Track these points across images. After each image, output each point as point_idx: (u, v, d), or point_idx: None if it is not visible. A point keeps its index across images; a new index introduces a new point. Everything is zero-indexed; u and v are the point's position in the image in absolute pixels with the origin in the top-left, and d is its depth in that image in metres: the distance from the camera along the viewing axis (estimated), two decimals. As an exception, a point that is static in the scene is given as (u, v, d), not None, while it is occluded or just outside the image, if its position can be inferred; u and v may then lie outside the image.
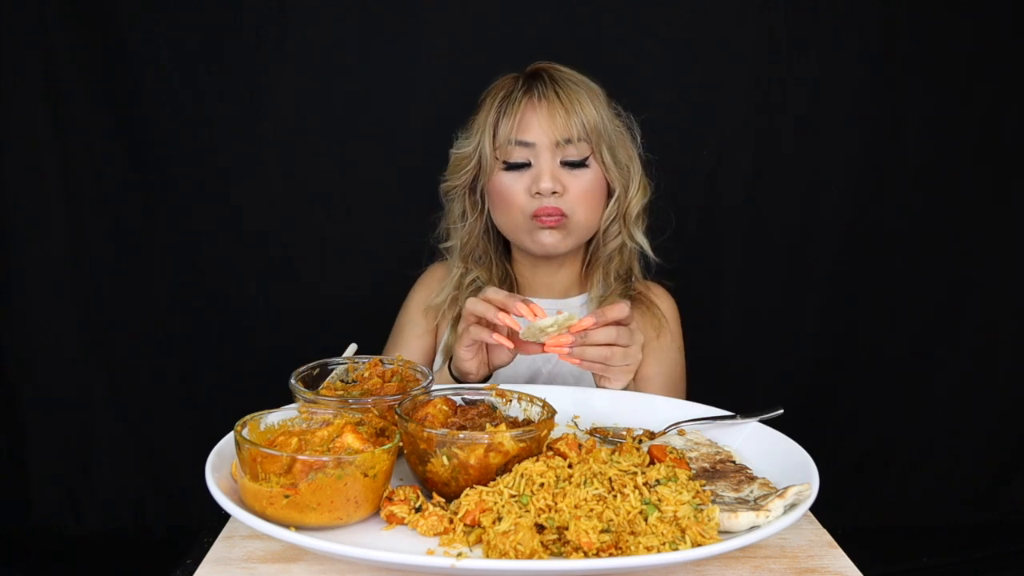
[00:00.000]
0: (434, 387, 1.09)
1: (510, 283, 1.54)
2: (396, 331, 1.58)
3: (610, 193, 1.46)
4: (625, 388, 1.22)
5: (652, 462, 0.97)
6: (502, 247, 1.54)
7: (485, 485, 0.90)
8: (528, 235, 1.44)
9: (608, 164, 1.43)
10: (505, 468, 0.91)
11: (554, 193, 1.39)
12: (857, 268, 2.14)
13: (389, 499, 0.89)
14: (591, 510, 0.85)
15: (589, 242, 1.51)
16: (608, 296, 1.51)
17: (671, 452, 1.00)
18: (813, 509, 0.93)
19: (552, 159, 1.40)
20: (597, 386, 1.23)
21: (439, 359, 1.52)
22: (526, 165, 1.41)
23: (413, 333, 1.56)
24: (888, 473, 2.25)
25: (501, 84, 1.44)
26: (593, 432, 1.13)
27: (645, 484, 0.90)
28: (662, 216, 1.54)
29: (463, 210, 1.50)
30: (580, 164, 1.41)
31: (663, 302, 1.57)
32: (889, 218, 2.12)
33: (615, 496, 0.88)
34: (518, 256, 1.54)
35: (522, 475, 0.89)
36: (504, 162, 1.41)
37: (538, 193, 1.39)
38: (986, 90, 2.08)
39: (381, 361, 1.14)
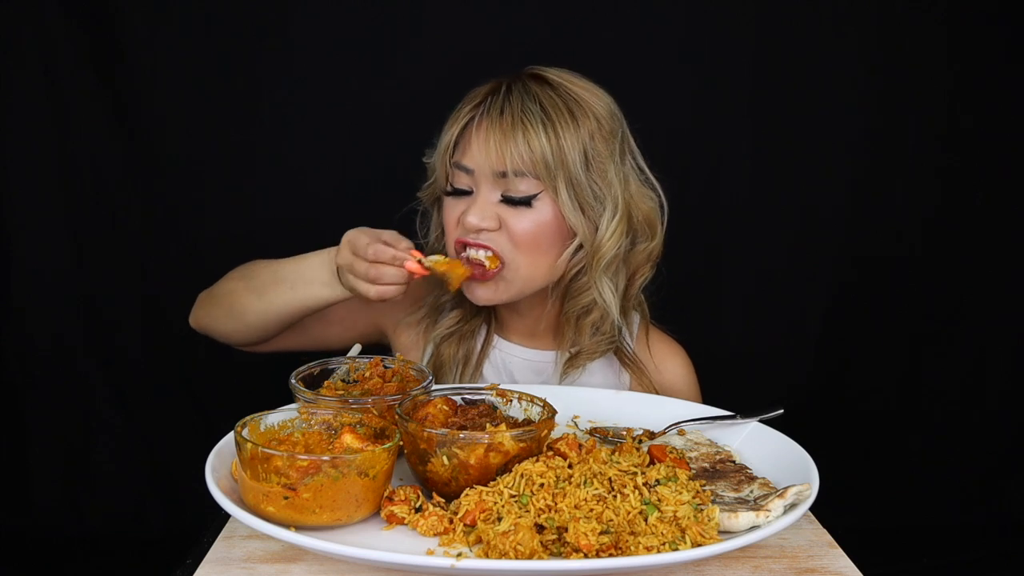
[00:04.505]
0: (434, 387, 1.09)
1: (488, 316, 1.38)
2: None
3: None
4: None
5: (652, 462, 0.97)
6: None
7: (485, 485, 0.90)
8: (463, 283, 1.25)
9: (565, 204, 1.19)
10: (505, 468, 0.91)
11: (484, 230, 1.21)
12: (859, 269, 2.14)
13: (389, 499, 0.89)
14: (591, 510, 0.85)
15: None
16: (579, 356, 1.31)
17: (671, 452, 1.00)
18: (813, 509, 0.93)
19: (491, 191, 1.21)
20: None
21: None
22: (468, 192, 1.24)
23: (346, 318, 1.40)
24: (888, 473, 2.25)
25: (471, 93, 1.26)
26: (593, 432, 1.13)
27: (645, 484, 0.90)
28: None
29: (434, 225, 1.35)
30: (522, 202, 1.20)
31: (671, 368, 1.39)
32: (891, 219, 2.12)
33: (615, 496, 0.88)
34: None
35: (522, 475, 0.89)
36: (450, 184, 1.25)
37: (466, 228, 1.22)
38: (991, 92, 2.08)
39: (382, 361, 1.15)
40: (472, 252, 1.23)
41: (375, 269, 1.16)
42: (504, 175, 1.20)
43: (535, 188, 1.20)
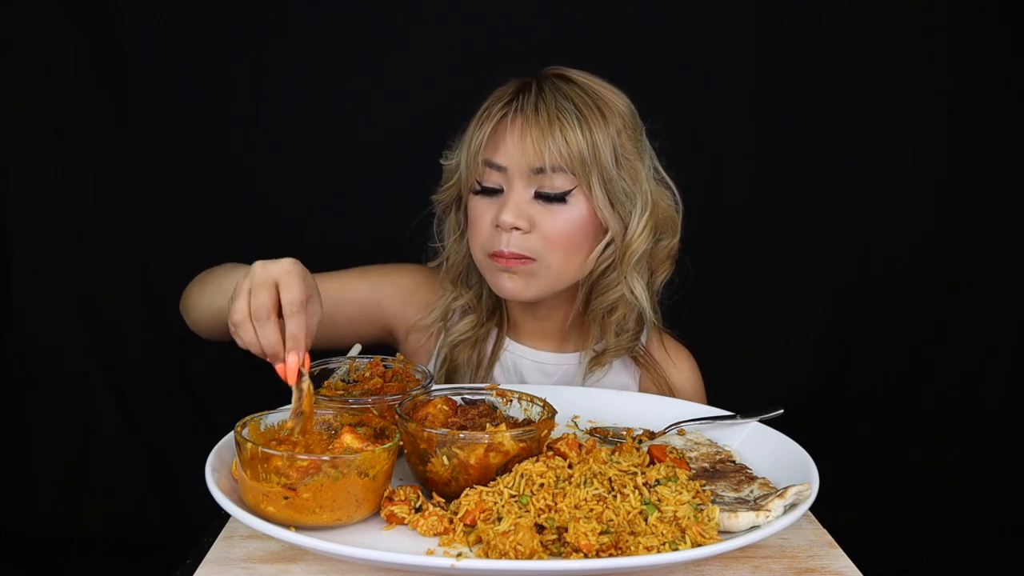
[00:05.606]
0: (434, 387, 1.09)
1: (500, 318, 1.38)
2: (349, 291, 1.37)
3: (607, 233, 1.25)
4: None
5: (652, 462, 0.97)
6: None
7: (485, 485, 0.90)
8: (489, 275, 1.27)
9: (599, 200, 1.21)
10: (505, 468, 0.92)
11: (517, 229, 1.21)
12: (859, 269, 2.14)
13: (389, 499, 0.90)
14: (591, 510, 0.85)
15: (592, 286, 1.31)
16: (605, 354, 1.33)
17: (671, 452, 1.00)
18: (813, 509, 0.93)
19: (524, 189, 1.22)
20: None
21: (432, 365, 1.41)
22: (499, 191, 1.24)
23: (355, 317, 1.37)
24: (888, 473, 2.25)
25: (498, 91, 1.27)
26: (593, 432, 1.13)
27: (645, 484, 0.90)
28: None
29: (451, 227, 1.35)
30: (556, 199, 1.21)
31: (680, 370, 1.41)
32: (891, 219, 2.12)
33: (615, 496, 0.88)
34: None
35: (522, 475, 0.89)
36: (478, 183, 1.25)
37: (499, 227, 1.22)
38: (991, 93, 2.08)
39: (382, 361, 1.14)
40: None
41: (242, 327, 0.97)
42: (541, 171, 1.20)
43: (570, 184, 1.21)
